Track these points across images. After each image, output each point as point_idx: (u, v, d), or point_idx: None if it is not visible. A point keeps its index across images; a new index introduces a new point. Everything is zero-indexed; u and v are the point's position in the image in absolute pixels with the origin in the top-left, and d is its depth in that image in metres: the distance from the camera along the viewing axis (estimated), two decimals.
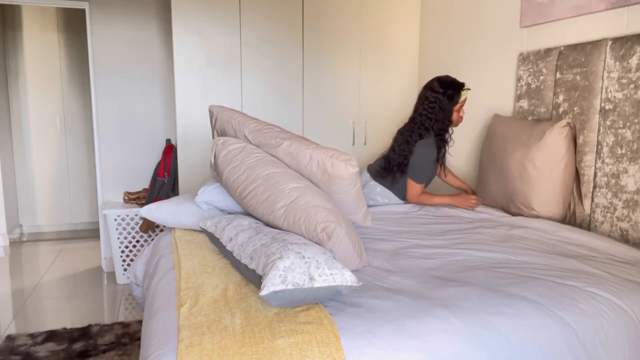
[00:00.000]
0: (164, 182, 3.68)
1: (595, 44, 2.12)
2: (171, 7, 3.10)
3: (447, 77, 2.51)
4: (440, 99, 2.45)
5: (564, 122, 2.19)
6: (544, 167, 2.19)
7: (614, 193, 2.07)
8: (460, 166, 3.19)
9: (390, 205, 2.54)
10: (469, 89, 2.49)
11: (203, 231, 1.88)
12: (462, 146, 3.17)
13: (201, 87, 3.22)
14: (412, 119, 2.53)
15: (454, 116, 2.51)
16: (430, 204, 2.52)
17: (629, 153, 1.99)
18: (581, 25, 2.27)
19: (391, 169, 2.53)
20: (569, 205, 2.26)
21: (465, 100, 2.50)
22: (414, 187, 2.50)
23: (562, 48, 2.31)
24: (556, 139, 2.17)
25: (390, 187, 2.56)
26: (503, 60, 2.78)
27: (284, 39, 3.32)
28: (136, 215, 3.58)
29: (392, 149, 2.58)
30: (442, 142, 2.50)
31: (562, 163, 2.17)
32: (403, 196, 2.58)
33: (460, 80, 3.14)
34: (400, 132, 2.58)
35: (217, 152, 1.90)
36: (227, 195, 1.98)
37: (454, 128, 2.54)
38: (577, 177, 2.24)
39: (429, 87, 2.50)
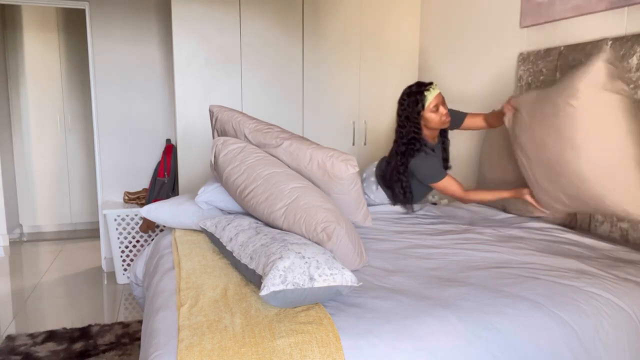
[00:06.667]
0: (164, 182, 3.68)
1: (596, 44, 2.12)
2: (171, 7, 3.10)
3: (413, 84, 2.33)
4: (405, 108, 2.30)
5: None
6: None
7: None
8: (460, 166, 3.19)
9: (390, 205, 2.53)
10: (432, 83, 2.29)
11: (203, 231, 1.88)
12: (462, 147, 3.17)
13: (201, 87, 3.21)
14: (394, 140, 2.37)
15: (433, 118, 2.27)
16: (484, 199, 2.23)
17: None
18: (581, 25, 2.27)
19: (395, 192, 2.39)
20: None
21: (437, 98, 2.26)
22: (446, 188, 2.28)
23: (562, 48, 2.31)
24: None
25: (390, 195, 2.50)
26: (503, 60, 2.78)
27: (284, 39, 3.32)
28: (136, 215, 3.58)
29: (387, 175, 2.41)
30: (418, 149, 2.28)
31: None
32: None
33: (460, 79, 3.15)
34: (388, 161, 2.42)
35: (217, 152, 1.90)
36: (227, 195, 1.98)
37: (446, 128, 2.40)
38: None
39: (398, 102, 2.37)
